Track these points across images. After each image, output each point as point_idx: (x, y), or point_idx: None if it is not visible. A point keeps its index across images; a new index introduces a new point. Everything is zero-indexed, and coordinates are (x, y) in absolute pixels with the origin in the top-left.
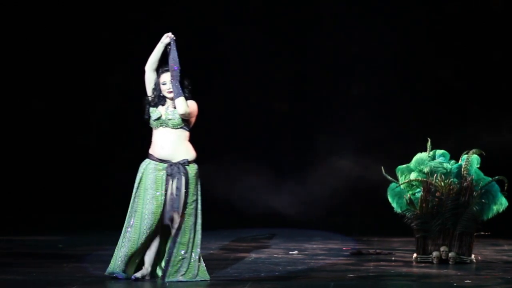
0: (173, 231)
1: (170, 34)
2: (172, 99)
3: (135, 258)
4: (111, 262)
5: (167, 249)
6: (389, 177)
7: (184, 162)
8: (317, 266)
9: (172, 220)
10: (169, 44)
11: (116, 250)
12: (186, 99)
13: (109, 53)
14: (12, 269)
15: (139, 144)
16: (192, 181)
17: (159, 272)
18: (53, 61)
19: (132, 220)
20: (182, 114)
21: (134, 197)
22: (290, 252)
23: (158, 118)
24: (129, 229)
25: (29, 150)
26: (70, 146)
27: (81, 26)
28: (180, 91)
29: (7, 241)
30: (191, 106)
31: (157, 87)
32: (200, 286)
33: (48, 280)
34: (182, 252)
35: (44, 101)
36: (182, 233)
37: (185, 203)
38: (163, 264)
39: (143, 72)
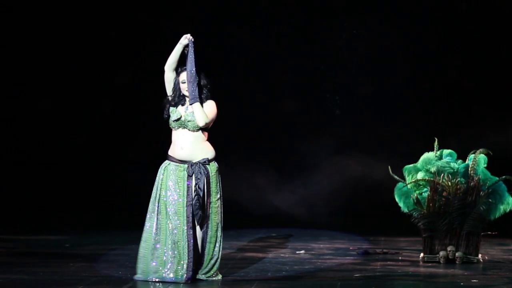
0: (200, 231)
1: (188, 35)
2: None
3: (167, 260)
4: (142, 265)
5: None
6: (396, 177)
7: (204, 162)
8: (324, 265)
9: (197, 220)
10: (187, 45)
11: (144, 251)
12: (206, 98)
13: (116, 52)
14: (19, 268)
15: (148, 144)
16: (213, 179)
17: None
18: (61, 60)
19: (156, 222)
20: (202, 126)
21: (156, 199)
22: (297, 252)
23: (178, 119)
24: (157, 231)
25: (37, 149)
26: (78, 145)
27: (88, 25)
28: (196, 96)
29: (14, 241)
30: (210, 112)
31: (176, 87)
32: (206, 285)
33: (55, 279)
34: (214, 251)
35: (51, 100)
36: (210, 232)
37: (209, 202)
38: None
39: (162, 72)
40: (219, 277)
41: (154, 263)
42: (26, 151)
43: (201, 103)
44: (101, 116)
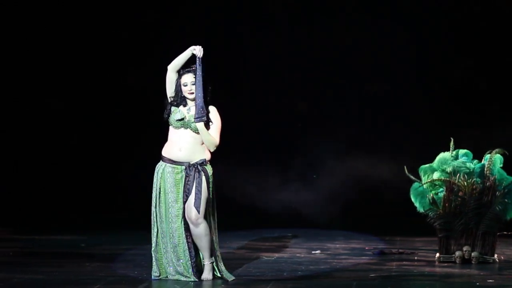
0: (195, 233)
1: (199, 48)
2: (193, 100)
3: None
4: (156, 267)
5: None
6: (412, 177)
7: (202, 162)
8: (340, 265)
9: (193, 218)
10: (197, 57)
11: (156, 255)
12: (207, 103)
13: (127, 53)
14: (34, 268)
15: (161, 144)
16: (210, 179)
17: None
18: (73, 61)
19: (160, 225)
20: (213, 150)
21: (156, 203)
22: (313, 252)
23: (181, 119)
24: (162, 234)
25: (51, 149)
26: (92, 145)
27: (99, 26)
28: (202, 115)
29: (29, 241)
30: (217, 129)
31: (178, 88)
32: (222, 285)
33: (70, 279)
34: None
35: (63, 101)
36: (203, 236)
37: (207, 202)
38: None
39: (165, 70)
40: (229, 276)
41: (168, 266)
42: (40, 151)
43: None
44: (113, 116)
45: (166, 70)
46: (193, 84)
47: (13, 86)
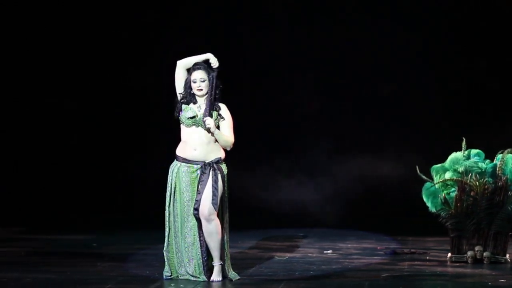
0: (207, 230)
1: (215, 60)
2: (201, 96)
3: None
4: (168, 267)
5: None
6: (423, 177)
7: (217, 161)
8: (352, 265)
9: (206, 213)
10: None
11: (168, 255)
12: (216, 100)
13: (127, 53)
14: (46, 268)
15: (174, 142)
16: (226, 179)
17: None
18: (73, 61)
19: (173, 224)
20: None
21: (171, 201)
22: (325, 252)
23: (193, 117)
24: (177, 233)
25: (62, 149)
26: (104, 145)
27: (110, 26)
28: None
29: (41, 240)
30: (230, 126)
31: (187, 85)
32: (234, 285)
33: (82, 279)
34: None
35: (76, 101)
36: (214, 233)
37: (221, 200)
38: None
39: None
40: (234, 275)
41: (180, 266)
42: (51, 151)
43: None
44: (125, 115)
45: (173, 68)
46: (202, 81)
47: (13, 86)
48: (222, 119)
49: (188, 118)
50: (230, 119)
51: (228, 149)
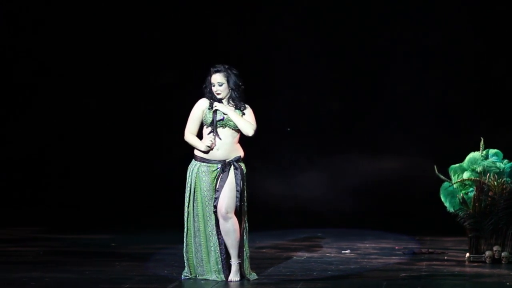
0: (224, 228)
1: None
2: (221, 99)
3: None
4: (188, 267)
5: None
6: (442, 177)
7: (237, 159)
8: (370, 265)
9: (223, 211)
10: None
11: (187, 255)
12: (240, 100)
13: (158, 53)
14: (65, 267)
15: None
16: (245, 177)
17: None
18: (108, 61)
19: (192, 224)
20: (252, 134)
21: (191, 201)
22: (343, 251)
23: (221, 120)
24: (197, 233)
25: (82, 148)
26: (123, 144)
27: (131, 26)
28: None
29: (60, 240)
30: (251, 115)
31: (208, 86)
32: (252, 285)
33: (101, 278)
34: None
35: (96, 100)
36: (231, 232)
37: (240, 199)
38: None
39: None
40: (253, 275)
41: (199, 266)
42: (70, 150)
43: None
44: (146, 114)
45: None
46: (220, 85)
47: (50, 88)
48: (243, 115)
49: (217, 121)
50: (252, 114)
51: (251, 133)
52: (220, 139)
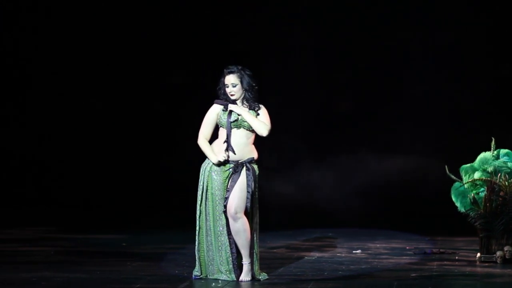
0: (234, 228)
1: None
2: (234, 101)
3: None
4: (199, 267)
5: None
6: (453, 177)
7: (250, 161)
8: (381, 265)
9: (232, 211)
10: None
11: (198, 254)
12: (254, 100)
13: (168, 53)
14: (76, 267)
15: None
16: (257, 179)
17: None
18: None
19: (204, 223)
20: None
21: (203, 199)
22: (354, 251)
23: (235, 121)
24: (208, 232)
25: (92, 148)
26: (134, 145)
27: (139, 27)
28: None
29: (71, 240)
30: (266, 115)
31: (222, 88)
32: (263, 285)
33: (112, 278)
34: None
35: (103, 101)
36: (241, 232)
37: (251, 200)
38: (231, 261)
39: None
40: (263, 276)
41: (210, 264)
42: (82, 150)
43: (253, 107)
44: (156, 115)
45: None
46: (233, 86)
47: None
48: (257, 115)
49: (232, 122)
50: (266, 114)
51: (265, 133)
52: (234, 154)
